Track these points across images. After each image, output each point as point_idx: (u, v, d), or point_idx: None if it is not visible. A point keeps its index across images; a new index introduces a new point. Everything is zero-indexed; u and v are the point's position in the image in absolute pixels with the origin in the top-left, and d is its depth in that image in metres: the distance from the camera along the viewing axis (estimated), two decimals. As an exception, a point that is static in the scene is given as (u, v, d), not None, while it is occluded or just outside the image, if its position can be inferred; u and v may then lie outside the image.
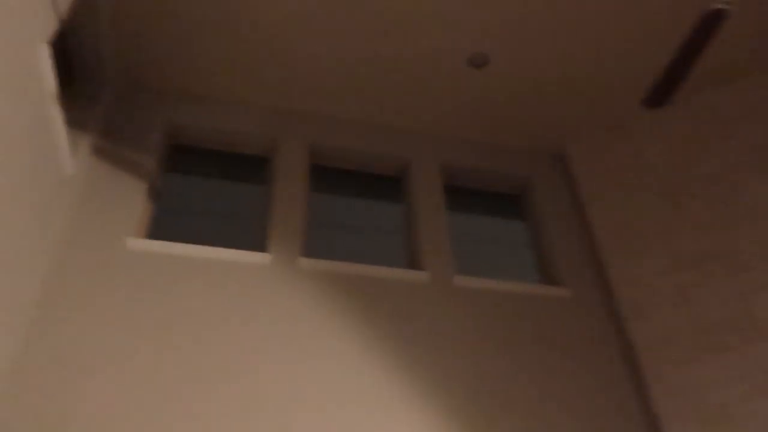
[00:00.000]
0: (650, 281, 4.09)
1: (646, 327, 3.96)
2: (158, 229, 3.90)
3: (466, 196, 4.94)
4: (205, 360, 3.23)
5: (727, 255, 3.96)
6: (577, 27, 4.11)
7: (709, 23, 2.27)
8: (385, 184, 4.76)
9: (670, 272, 4.07)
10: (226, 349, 3.30)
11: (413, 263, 4.24)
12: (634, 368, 3.93)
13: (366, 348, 3.54)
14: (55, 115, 3.19)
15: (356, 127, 4.82)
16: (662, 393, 3.71)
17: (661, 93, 2.53)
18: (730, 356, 3.65)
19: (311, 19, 4.01)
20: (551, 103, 4.71)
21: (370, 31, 4.11)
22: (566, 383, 3.77)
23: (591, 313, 4.20)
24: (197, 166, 4.37)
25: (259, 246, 4.01)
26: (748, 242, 3.95)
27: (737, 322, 3.73)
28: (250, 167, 4.49)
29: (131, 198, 3.78)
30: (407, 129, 4.95)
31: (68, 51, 3.81)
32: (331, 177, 4.66)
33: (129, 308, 3.31)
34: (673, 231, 4.21)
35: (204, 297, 3.47)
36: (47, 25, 3.02)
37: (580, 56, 4.32)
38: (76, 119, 3.77)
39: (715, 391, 3.59)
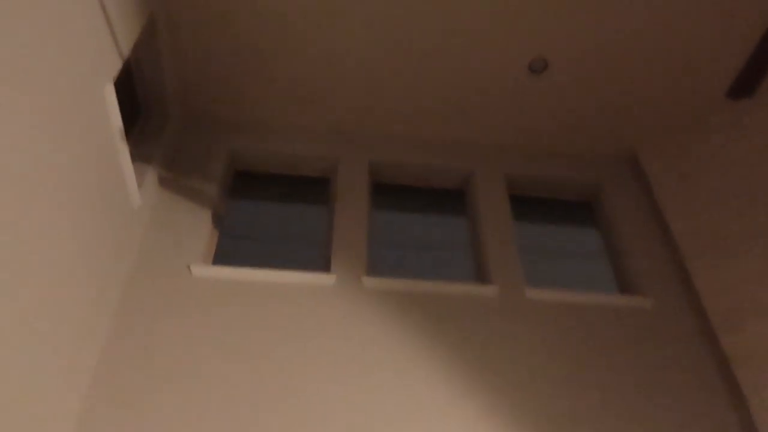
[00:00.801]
0: (743, 288, 3.76)
1: (741, 339, 3.63)
2: (224, 255, 3.94)
3: (534, 205, 4.74)
4: (272, 381, 3.20)
5: (831, 255, 3.59)
6: (643, 24, 3.89)
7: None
8: (448, 198, 4.65)
9: (761, 278, 3.73)
10: (293, 369, 3.27)
11: (481, 277, 4.09)
12: (729, 383, 3.60)
13: (435, 367, 3.42)
14: (122, 149, 3.28)
15: (416, 142, 4.74)
16: (761, 407, 3.37)
17: (746, 82, 2.31)
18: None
19: (369, 39, 3.99)
20: (618, 105, 4.47)
21: (428, 46, 4.04)
22: (653, 404, 3.50)
23: (677, 324, 3.90)
24: (260, 190, 4.41)
25: (324, 267, 3.98)
26: None
27: None
28: (312, 189, 4.50)
29: (196, 226, 3.85)
30: (469, 140, 4.83)
31: (132, 86, 3.95)
32: (393, 194, 4.60)
33: (197, 333, 3.34)
34: (762, 233, 3.86)
35: (270, 319, 3.46)
36: (112, 63, 3.12)
37: (646, 55, 4.08)
38: (141, 153, 3.88)
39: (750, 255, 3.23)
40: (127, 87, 3.87)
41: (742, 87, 2.30)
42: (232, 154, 4.45)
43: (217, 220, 4.08)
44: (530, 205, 4.74)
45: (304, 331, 3.46)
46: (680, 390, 3.58)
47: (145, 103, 4.10)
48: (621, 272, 4.32)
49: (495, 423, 3.25)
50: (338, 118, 4.59)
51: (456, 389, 3.35)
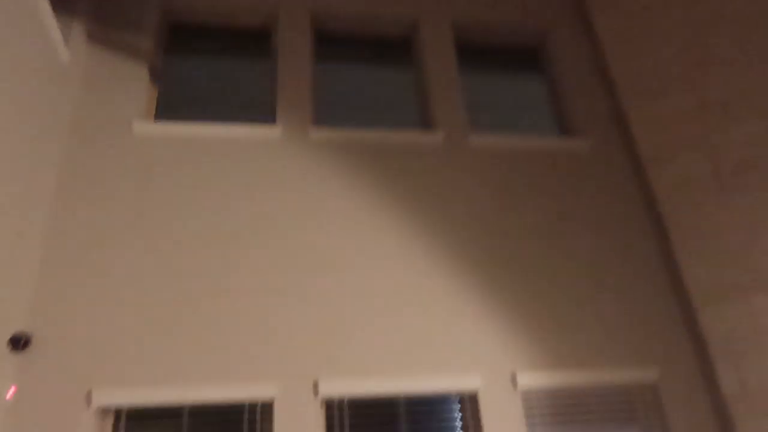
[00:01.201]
0: (672, 127, 3.93)
1: (666, 171, 3.86)
2: (164, 112, 3.87)
3: (480, 53, 4.70)
4: (221, 236, 3.33)
5: (756, 96, 3.74)
6: None
7: None
8: (394, 48, 4.56)
9: (693, 117, 3.89)
10: (241, 220, 3.39)
11: (426, 125, 4.15)
12: (654, 216, 3.90)
13: (382, 213, 3.58)
14: (43, 2, 3.07)
15: (359, -12, 4.53)
16: (681, 236, 3.69)
17: None
18: (752, 197, 3.57)
19: None
20: (567, -62, 4.29)
21: None
22: (588, 236, 3.79)
23: (612, 161, 4.11)
24: (198, 44, 4.23)
25: (269, 121, 3.97)
26: (781, 73, 3.70)
27: (760, 165, 3.60)
28: (252, 42, 4.33)
29: (133, 82, 3.73)
30: (413, -15, 4.64)
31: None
32: (337, 44, 4.47)
33: (142, 190, 3.38)
34: (698, 74, 3.96)
35: (217, 174, 3.51)
36: None
37: None
38: (66, 5, 3.63)
39: (733, 231, 3.55)
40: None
41: None
42: (164, 3, 4.19)
43: (155, 75, 3.95)
44: (477, 53, 4.69)
45: (252, 184, 3.53)
46: (610, 222, 3.87)
47: (60, -52, 3.75)
48: (563, 116, 4.44)
49: (439, 264, 3.50)
50: (275, -38, 4.31)
51: (402, 233, 3.55)
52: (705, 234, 3.62)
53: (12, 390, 2.75)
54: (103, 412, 2.86)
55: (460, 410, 3.18)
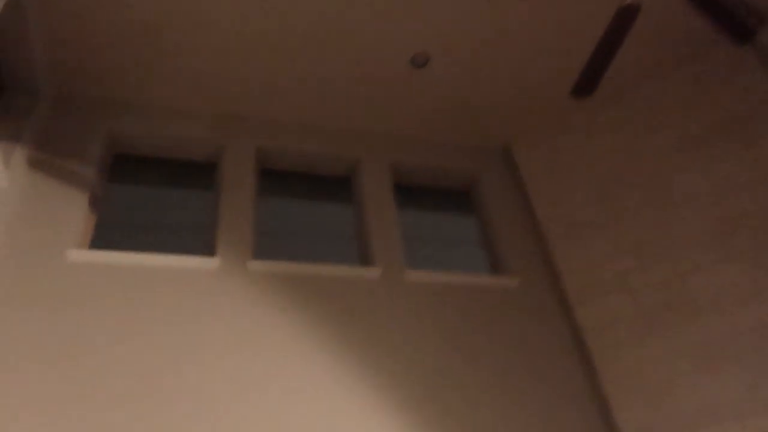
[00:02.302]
0: (593, 268, 4.24)
1: (591, 312, 4.09)
2: (102, 241, 3.82)
3: (416, 193, 5.00)
4: (154, 368, 3.18)
5: (663, 240, 4.14)
6: (508, 28, 4.22)
7: (624, 17, 2.39)
8: (335, 185, 4.79)
9: (611, 259, 4.22)
10: (177, 354, 3.27)
11: (365, 261, 4.27)
12: (582, 352, 4.06)
13: (319, 346, 3.56)
14: (-15, 127, 3.10)
15: (303, 129, 4.83)
16: (609, 374, 3.84)
17: (587, 83, 2.63)
18: (670, 335, 3.81)
19: (252, 28, 4.00)
20: (494, 100, 4.82)
21: (310, 37, 4.12)
22: (519, 371, 3.87)
23: (539, 300, 4.32)
24: (141, 174, 4.30)
25: (208, 253, 3.98)
26: (682, 227, 4.13)
27: (676, 303, 3.89)
28: (196, 174, 4.45)
29: (71, 209, 3.70)
30: (355, 129, 4.99)
31: (-2, 61, 3.71)
32: (280, 180, 4.66)
33: (73, 322, 3.23)
34: (613, 219, 4.36)
35: (151, 304, 3.42)
36: (-29, 34, 2.93)
37: (515, 56, 4.44)
38: (8, 131, 3.66)
39: (656, 370, 3.74)
40: (-9, 61, 3.63)
41: (583, 86, 2.62)
42: (111, 135, 4.29)
43: (94, 204, 3.93)
44: (413, 193, 4.99)
45: (187, 315, 3.45)
46: (541, 357, 3.98)
47: (11, 79, 3.86)
48: (493, 255, 4.69)
49: (377, 397, 3.45)
50: (225, 101, 4.57)
51: (340, 368, 3.51)
52: (630, 372, 3.78)
53: None
54: None
55: None
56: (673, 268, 4.00)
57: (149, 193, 4.18)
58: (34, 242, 3.49)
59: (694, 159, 4.32)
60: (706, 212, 4.08)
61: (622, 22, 2.37)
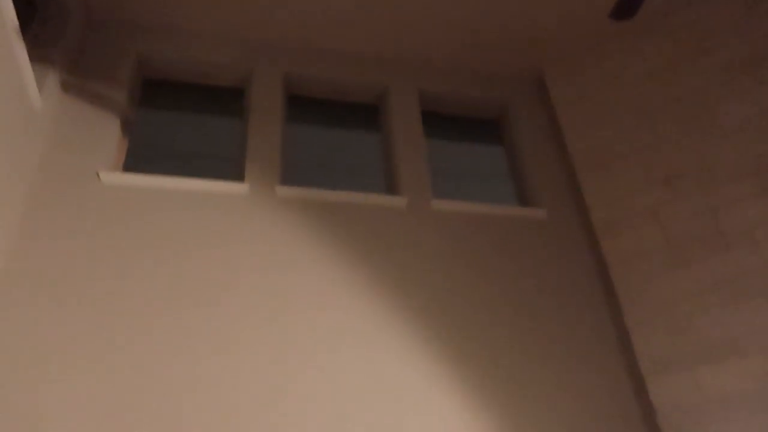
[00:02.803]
0: (622, 200, 4.17)
1: (619, 245, 4.06)
2: (133, 165, 3.90)
3: (445, 123, 4.93)
4: (182, 292, 3.32)
5: (698, 172, 4.02)
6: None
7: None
8: (363, 112, 4.74)
9: (641, 191, 4.14)
10: (205, 278, 3.39)
11: (391, 189, 4.29)
12: (606, 284, 4.06)
13: (345, 272, 3.64)
14: (19, 49, 3.13)
15: (332, 55, 4.74)
16: (631, 306, 3.85)
17: (627, 4, 2.50)
18: (699, 269, 3.77)
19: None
20: (528, 26, 4.63)
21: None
22: (542, 302, 3.91)
23: (567, 232, 4.30)
24: (171, 99, 4.32)
25: (237, 178, 4.04)
26: (718, 159, 4.00)
27: (705, 237, 3.83)
28: (225, 100, 4.45)
29: (104, 132, 3.77)
30: (384, 56, 4.88)
31: (27, -18, 3.69)
32: (307, 107, 4.63)
33: (106, 244, 3.36)
34: (647, 150, 4.25)
35: (181, 229, 3.53)
36: (-2, -48, 2.91)
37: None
38: (41, 55, 3.69)
39: (681, 302, 3.73)
40: (20, -18, 3.62)
41: (623, 8, 2.49)
42: (140, 59, 4.30)
43: (126, 127, 4.00)
44: (442, 122, 4.92)
45: (216, 240, 3.55)
46: (566, 289, 4.01)
47: (42, 3, 3.85)
48: (521, 186, 4.65)
49: (401, 325, 3.55)
50: (254, 26, 4.50)
51: (366, 294, 3.60)
52: (654, 305, 3.79)
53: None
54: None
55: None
56: (706, 200, 3.92)
57: (178, 118, 4.22)
58: (68, 165, 3.59)
59: (742, 86, 4.12)
60: (748, 144, 3.94)
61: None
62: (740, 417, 3.32)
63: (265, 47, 4.59)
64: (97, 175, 3.58)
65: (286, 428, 3.02)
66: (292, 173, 4.18)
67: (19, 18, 3.57)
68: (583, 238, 4.30)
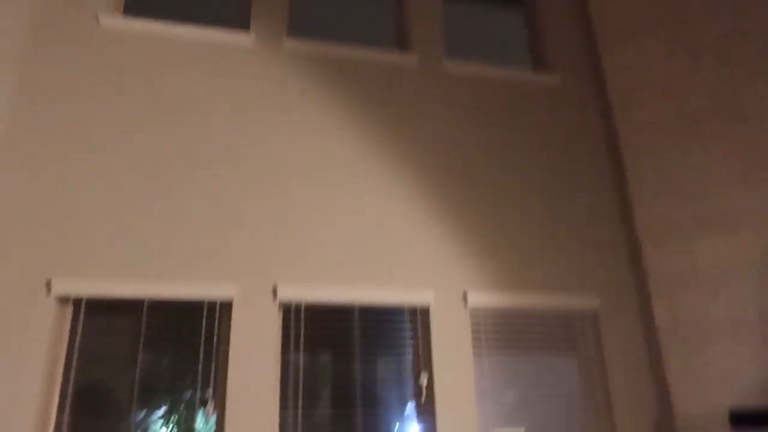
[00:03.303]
0: (641, 70, 4.00)
1: (631, 114, 3.96)
2: (133, 9, 3.73)
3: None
4: (186, 132, 3.31)
5: (724, 44, 3.82)
6: None
7: None
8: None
9: (661, 60, 3.96)
10: (206, 123, 3.37)
11: (402, 46, 4.12)
12: (615, 154, 4.02)
13: (351, 130, 3.60)
14: None
15: None
16: (637, 176, 3.83)
17: None
18: (713, 143, 3.70)
19: None
20: None
21: None
22: (549, 166, 3.90)
23: (580, 100, 4.18)
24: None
25: (243, 27, 3.87)
26: (745, 32, 3.77)
27: (721, 112, 3.72)
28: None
29: (101, -29, 3.57)
30: None
31: None
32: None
33: (105, 84, 3.30)
34: (671, 19, 4.00)
35: (183, 78, 3.44)
36: None
37: None
38: None
39: (688, 175, 3.70)
40: None
41: None
42: None
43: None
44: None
45: (220, 89, 3.48)
46: (573, 155, 3.98)
47: None
48: (537, 51, 4.45)
49: (401, 181, 3.57)
50: None
51: (368, 149, 3.58)
52: (661, 176, 3.77)
53: (-30, 274, 2.76)
54: (63, 300, 2.91)
55: (411, 322, 3.34)
56: (730, 72, 3.75)
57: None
58: (65, 7, 3.43)
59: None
60: (781, 12, 3.70)
61: None
62: (730, 286, 3.42)
63: None
64: (96, 18, 3.44)
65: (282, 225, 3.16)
66: (300, 24, 3.99)
67: None
68: (597, 108, 4.19)
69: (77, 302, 2.94)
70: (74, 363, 2.84)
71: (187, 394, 2.92)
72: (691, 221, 3.63)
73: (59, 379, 2.80)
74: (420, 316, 3.34)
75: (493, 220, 3.64)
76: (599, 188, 3.96)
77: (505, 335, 3.45)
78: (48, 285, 2.84)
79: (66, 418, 2.75)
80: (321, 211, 3.36)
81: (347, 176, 3.48)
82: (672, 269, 3.59)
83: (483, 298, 3.41)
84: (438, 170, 3.66)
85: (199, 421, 2.89)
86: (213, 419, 2.89)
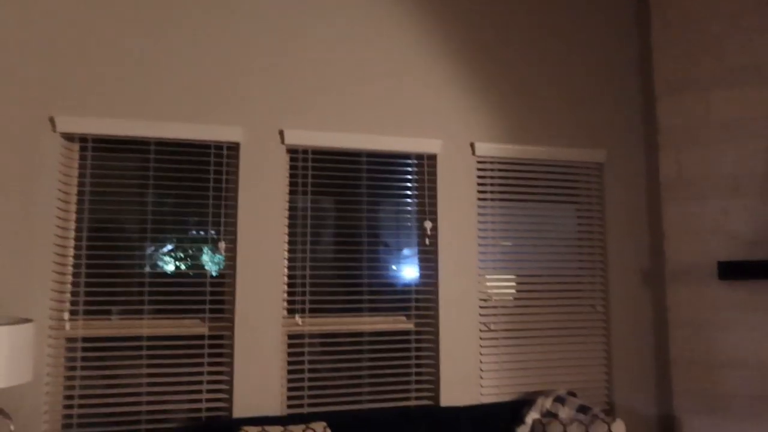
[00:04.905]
0: None
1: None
2: None
3: None
4: (189, -34, 3.08)
5: None
6: None
7: None
8: None
9: None
10: (211, -45, 3.11)
11: None
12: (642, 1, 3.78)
13: (360, -38, 3.33)
14: None
15: None
16: (661, 24, 3.62)
17: None
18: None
19: None
20: None
21: None
22: (567, 18, 3.68)
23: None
24: None
25: None
26: None
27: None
28: None
29: None
30: None
31: None
32: None
33: None
34: None
35: None
36: None
37: None
38: None
39: (712, 23, 3.49)
40: None
41: None
42: None
43: None
44: None
45: None
46: (594, 1, 3.74)
47: None
48: None
49: (411, 30, 3.38)
50: None
51: (379, -14, 3.36)
52: (685, 23, 3.56)
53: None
54: (69, 138, 2.89)
55: (418, 168, 3.36)
56: None
57: None
58: None
59: None
60: None
61: None
62: (739, 141, 3.39)
63: None
64: None
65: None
66: None
67: None
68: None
69: (84, 140, 2.92)
70: (86, 201, 2.89)
71: (197, 232, 3.02)
72: (710, 72, 3.50)
73: (73, 216, 2.88)
74: (427, 163, 3.35)
75: (505, 71, 3.51)
76: (618, 35, 3.76)
77: (511, 185, 3.48)
78: (52, 121, 2.80)
79: (84, 252, 2.87)
80: (330, 59, 3.22)
81: (356, 23, 3.29)
82: (684, 122, 3.53)
83: (490, 148, 3.40)
84: (449, 18, 3.45)
85: (209, 256, 3.02)
86: (216, 251, 3.02)
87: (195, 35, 3.04)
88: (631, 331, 3.57)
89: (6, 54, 2.79)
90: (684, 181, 3.51)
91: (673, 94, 3.56)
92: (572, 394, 3.27)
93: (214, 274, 3.00)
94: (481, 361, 3.30)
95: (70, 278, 2.84)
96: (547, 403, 3.13)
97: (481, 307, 3.34)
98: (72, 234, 2.87)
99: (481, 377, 3.29)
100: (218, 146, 3.05)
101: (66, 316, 2.80)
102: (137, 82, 2.93)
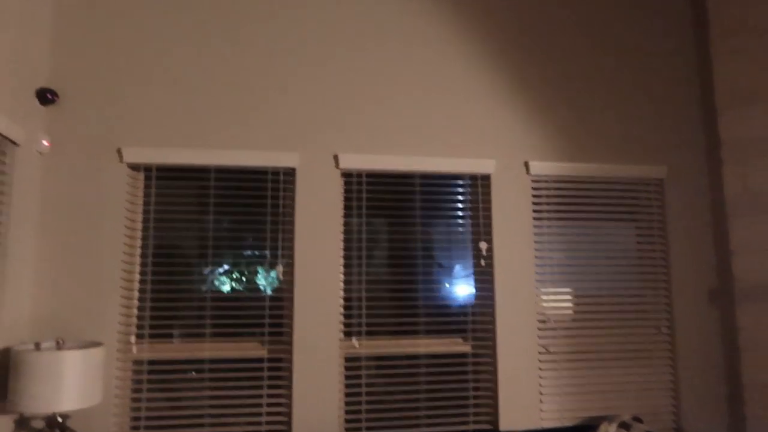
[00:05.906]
0: None
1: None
2: None
3: None
4: (254, 10, 3.19)
5: None
6: None
7: None
8: None
9: None
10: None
11: None
12: (698, 6, 3.67)
13: (410, -13, 3.37)
14: None
15: None
16: (721, 32, 3.50)
17: None
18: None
19: None
20: None
21: None
22: (619, 23, 3.61)
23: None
24: None
25: None
26: None
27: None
28: None
29: None
30: None
31: None
32: None
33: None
34: None
35: (236, -69, 3.23)
36: None
37: None
38: None
39: (782, 28, 3.36)
40: None
41: None
42: None
43: None
44: None
45: (272, -55, 3.26)
46: (650, 11, 3.66)
47: None
48: None
49: (462, 48, 3.38)
50: None
51: (429, 18, 3.37)
52: (748, 31, 3.44)
53: (46, 143, 2.86)
54: (134, 168, 3.02)
55: (472, 188, 3.33)
56: None
57: None
58: None
59: None
60: None
61: None
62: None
63: None
64: None
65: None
66: None
67: None
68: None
69: (148, 169, 3.04)
70: (150, 228, 3.00)
71: (255, 253, 3.09)
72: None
73: (139, 242, 2.99)
74: (481, 183, 3.33)
75: (558, 88, 3.46)
76: (677, 46, 3.66)
77: (567, 203, 3.42)
78: (119, 153, 2.94)
79: (149, 274, 2.97)
80: (380, 80, 3.26)
81: (409, 46, 3.33)
82: (748, 135, 3.39)
83: (545, 166, 3.35)
84: (501, 37, 3.44)
85: (266, 276, 3.08)
86: (274, 273, 3.07)
87: (251, 67, 3.14)
88: (698, 353, 3.42)
89: (76, 92, 2.95)
90: (751, 196, 3.36)
91: (737, 105, 3.43)
92: (638, 419, 3.14)
93: (269, 292, 3.05)
94: (540, 384, 3.22)
95: (136, 302, 2.94)
96: (612, 429, 3.02)
97: (539, 329, 3.27)
98: (138, 259, 2.98)
99: (541, 401, 3.20)
100: (275, 171, 3.12)
101: (133, 339, 2.90)
102: (198, 112, 3.04)
